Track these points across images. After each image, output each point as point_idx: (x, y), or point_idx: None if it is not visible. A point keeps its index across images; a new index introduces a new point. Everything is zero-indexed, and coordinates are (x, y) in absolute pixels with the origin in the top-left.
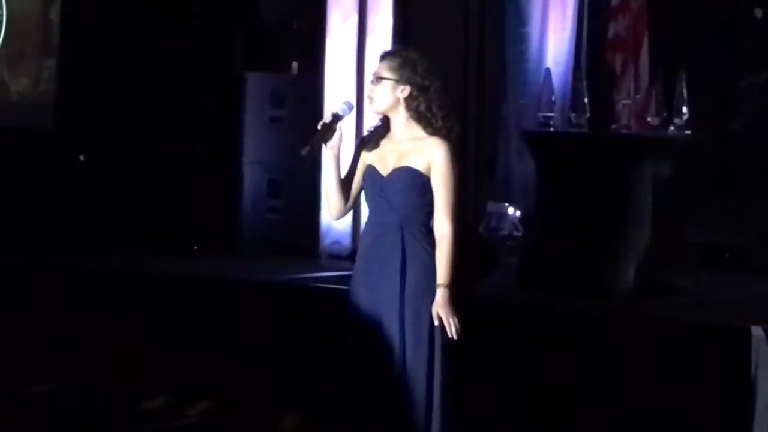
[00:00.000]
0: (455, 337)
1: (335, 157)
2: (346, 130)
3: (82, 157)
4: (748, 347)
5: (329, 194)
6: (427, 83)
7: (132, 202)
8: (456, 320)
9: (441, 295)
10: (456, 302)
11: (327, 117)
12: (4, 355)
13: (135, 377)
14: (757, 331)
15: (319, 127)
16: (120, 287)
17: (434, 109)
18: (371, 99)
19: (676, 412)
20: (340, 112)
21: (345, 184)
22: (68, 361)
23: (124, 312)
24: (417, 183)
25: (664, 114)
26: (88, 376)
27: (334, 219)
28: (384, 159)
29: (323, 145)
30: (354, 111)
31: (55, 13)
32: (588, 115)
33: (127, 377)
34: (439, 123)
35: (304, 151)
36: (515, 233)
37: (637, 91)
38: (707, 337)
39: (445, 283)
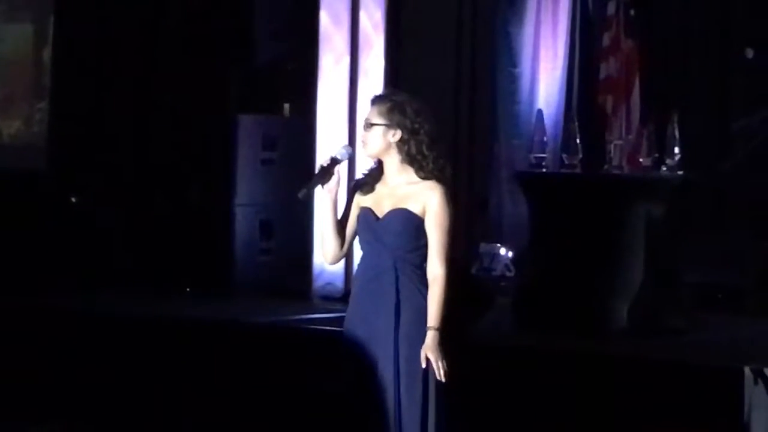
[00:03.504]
0: (443, 379)
1: (332, 200)
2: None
3: (74, 199)
4: (741, 388)
5: (325, 238)
6: (416, 126)
7: (124, 244)
8: (444, 363)
9: (431, 337)
10: (447, 344)
11: (325, 160)
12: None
13: (128, 418)
14: (750, 371)
15: (316, 170)
16: (112, 329)
17: (425, 152)
18: (364, 144)
19: None
20: (339, 156)
21: (340, 227)
22: (62, 402)
23: (115, 354)
24: (412, 225)
25: (656, 155)
26: (82, 418)
27: (328, 263)
28: (379, 202)
29: (320, 187)
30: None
31: (46, 55)
32: (580, 155)
33: (120, 418)
34: (431, 165)
35: (301, 194)
36: (507, 273)
37: (628, 131)
38: (701, 378)
39: (436, 326)
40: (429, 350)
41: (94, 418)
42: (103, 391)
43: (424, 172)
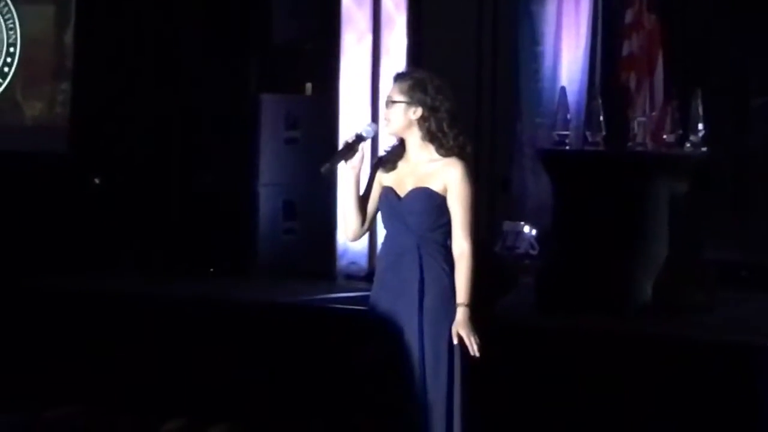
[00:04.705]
0: (477, 354)
1: (355, 177)
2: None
3: (97, 180)
4: (766, 364)
5: (347, 214)
6: (437, 104)
7: (147, 225)
8: (477, 338)
9: (462, 313)
10: (475, 321)
11: (350, 137)
12: (17, 379)
13: (152, 400)
14: None
15: (341, 145)
16: (135, 309)
17: (446, 129)
18: (387, 121)
19: (695, 430)
20: (364, 134)
21: (362, 204)
22: (82, 385)
23: (140, 334)
24: (434, 204)
25: (680, 131)
26: (103, 400)
27: (350, 240)
28: (401, 181)
29: (344, 164)
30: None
31: (68, 37)
32: (603, 133)
33: (144, 400)
34: (451, 143)
35: (324, 169)
36: (531, 252)
37: (652, 108)
38: (725, 355)
39: (465, 302)
40: (461, 326)
41: (112, 401)
42: (123, 372)
43: (445, 149)
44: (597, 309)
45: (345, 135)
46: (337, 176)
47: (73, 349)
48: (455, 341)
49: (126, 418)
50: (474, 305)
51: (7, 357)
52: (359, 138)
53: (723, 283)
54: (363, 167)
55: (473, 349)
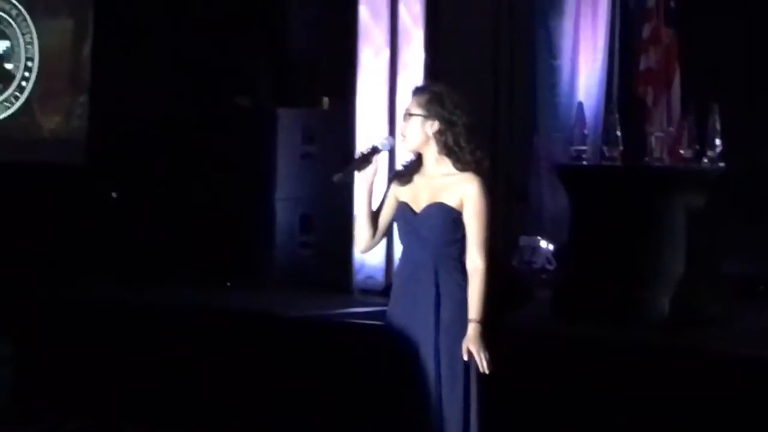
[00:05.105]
0: (486, 371)
1: (368, 189)
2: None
3: (114, 194)
4: None
5: (358, 225)
6: (454, 118)
7: (164, 239)
8: (487, 355)
9: (472, 329)
10: (488, 336)
11: (366, 148)
12: (39, 389)
13: (168, 411)
14: None
15: (356, 156)
16: (153, 322)
17: (462, 144)
18: (404, 136)
19: None
20: (380, 146)
21: (375, 217)
22: (103, 395)
23: (156, 345)
24: (449, 219)
25: (697, 146)
26: (123, 410)
27: (360, 252)
28: (417, 196)
29: (357, 174)
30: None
31: (86, 51)
32: (620, 148)
33: (160, 411)
34: (467, 157)
35: (337, 178)
36: (548, 267)
37: (669, 123)
38: (742, 368)
39: (477, 318)
40: (471, 342)
41: (130, 412)
42: (140, 383)
43: (461, 163)
44: (614, 322)
45: (361, 149)
46: (353, 190)
47: (88, 360)
48: (465, 357)
49: (144, 429)
50: (489, 319)
51: (27, 368)
52: (375, 150)
53: (739, 297)
54: (376, 180)
55: (482, 365)
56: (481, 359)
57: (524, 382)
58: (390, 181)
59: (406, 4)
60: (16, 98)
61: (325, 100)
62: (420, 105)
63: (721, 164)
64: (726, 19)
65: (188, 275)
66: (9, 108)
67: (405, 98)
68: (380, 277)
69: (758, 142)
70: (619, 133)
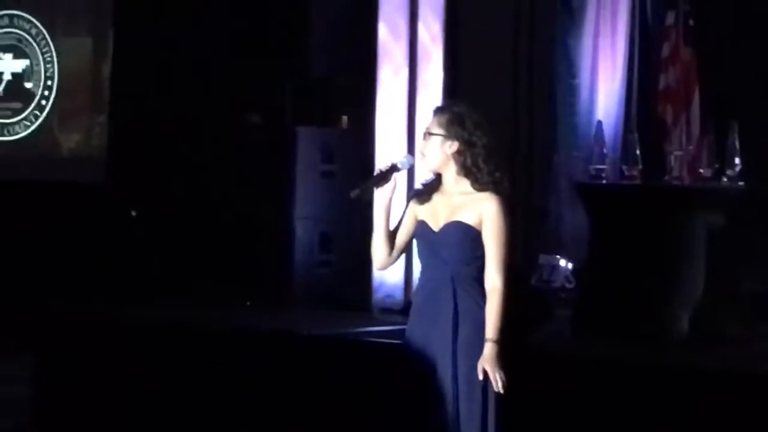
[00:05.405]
0: (501, 391)
1: (386, 206)
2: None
3: (133, 212)
4: None
5: (375, 243)
6: (474, 139)
7: (183, 257)
8: (502, 374)
9: (489, 349)
10: (505, 356)
11: (385, 165)
12: (57, 407)
13: (188, 429)
14: None
15: (375, 173)
16: (172, 341)
17: (480, 165)
18: (423, 155)
19: None
20: (399, 165)
21: (392, 234)
22: (122, 413)
23: (176, 364)
24: (468, 237)
25: (717, 165)
26: (141, 428)
27: (377, 269)
28: (436, 214)
29: (374, 190)
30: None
31: (106, 70)
32: (640, 166)
33: (181, 429)
34: (486, 178)
35: (354, 194)
36: (567, 285)
37: (689, 142)
38: (763, 387)
39: (494, 338)
40: (486, 362)
41: (147, 429)
42: (160, 402)
43: (480, 184)
44: (633, 341)
45: (380, 166)
46: (372, 209)
47: (106, 377)
48: (480, 377)
49: None
50: (507, 338)
51: (44, 386)
52: (393, 168)
53: (760, 315)
54: (395, 198)
55: (497, 385)
56: (496, 379)
57: (543, 402)
58: (409, 199)
59: (425, 22)
60: (36, 117)
61: (345, 118)
62: (440, 125)
63: (741, 183)
64: (745, 37)
65: (207, 294)
66: (29, 127)
67: (424, 117)
68: (399, 295)
69: None
70: (638, 152)
